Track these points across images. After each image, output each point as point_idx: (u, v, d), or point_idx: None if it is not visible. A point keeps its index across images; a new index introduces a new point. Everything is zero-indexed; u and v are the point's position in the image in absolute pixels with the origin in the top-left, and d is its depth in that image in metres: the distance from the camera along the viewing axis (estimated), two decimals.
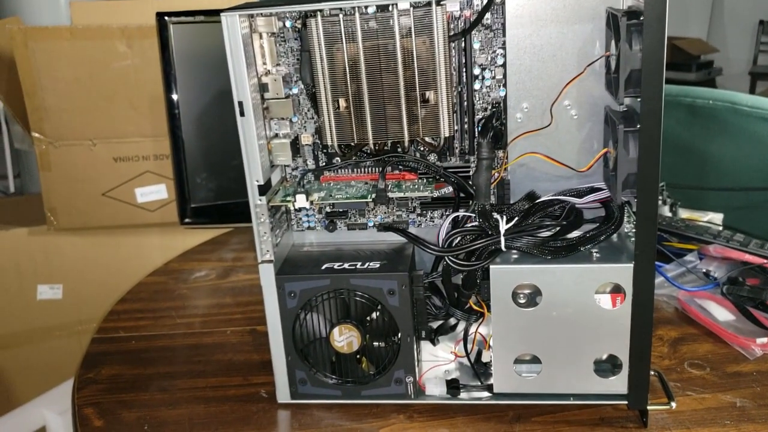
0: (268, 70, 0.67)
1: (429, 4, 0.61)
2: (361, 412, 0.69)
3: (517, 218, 0.63)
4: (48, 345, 1.58)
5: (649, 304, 0.61)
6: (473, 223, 0.65)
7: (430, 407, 0.69)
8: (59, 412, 1.20)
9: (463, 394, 0.68)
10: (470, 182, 0.68)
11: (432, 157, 0.70)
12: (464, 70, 0.66)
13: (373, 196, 0.67)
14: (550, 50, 0.64)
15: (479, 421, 0.67)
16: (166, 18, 1.06)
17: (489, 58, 0.66)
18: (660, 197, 1.01)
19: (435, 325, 0.70)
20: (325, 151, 0.71)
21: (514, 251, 0.64)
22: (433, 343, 0.71)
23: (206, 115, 1.10)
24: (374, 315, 0.67)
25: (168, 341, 0.86)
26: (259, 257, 0.67)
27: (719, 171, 1.16)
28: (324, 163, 0.71)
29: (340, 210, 0.73)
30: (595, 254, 0.62)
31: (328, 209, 0.73)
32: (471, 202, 0.67)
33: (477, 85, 0.67)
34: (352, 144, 0.67)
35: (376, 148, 0.68)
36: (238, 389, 0.74)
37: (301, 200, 0.68)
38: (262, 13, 0.65)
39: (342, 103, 0.65)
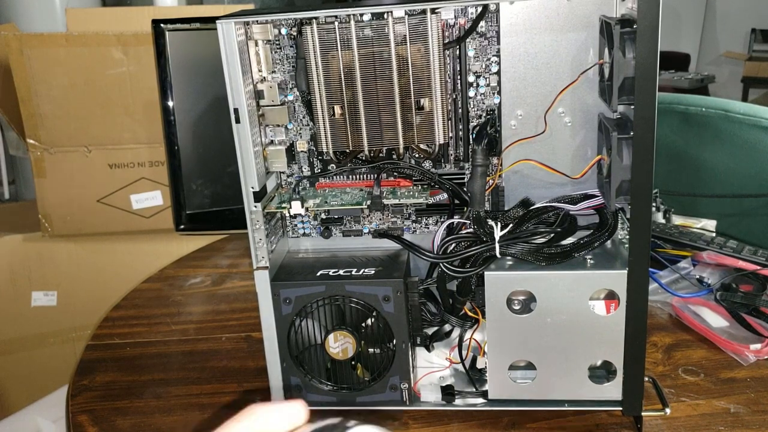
0: (264, 77, 0.67)
1: (424, 12, 0.62)
2: (356, 419, 0.69)
3: (511, 225, 0.63)
4: (42, 352, 1.58)
5: (643, 311, 0.61)
6: (468, 230, 0.65)
7: (425, 413, 0.69)
8: (53, 419, 1.20)
9: (458, 401, 0.68)
10: (465, 189, 0.68)
11: (427, 164, 0.70)
12: (459, 77, 0.66)
13: (368, 202, 0.68)
14: (544, 58, 0.65)
15: (474, 428, 0.67)
16: (162, 25, 1.06)
17: (483, 66, 0.66)
18: (653, 204, 1.01)
19: (430, 331, 0.70)
20: (320, 157, 0.71)
21: (509, 258, 0.64)
22: (428, 350, 0.71)
23: (202, 122, 1.11)
24: (369, 321, 0.67)
25: (163, 348, 0.86)
26: (254, 264, 0.68)
27: (712, 178, 1.16)
28: (319, 170, 0.71)
29: (336, 217, 0.73)
30: (589, 261, 0.63)
31: (323, 216, 0.73)
32: (466, 208, 0.67)
33: (471, 93, 0.67)
34: (348, 151, 0.67)
35: (371, 155, 0.68)
36: (233, 396, 0.74)
37: (296, 207, 0.68)
38: (257, 21, 0.65)
39: (337, 110, 0.65)
